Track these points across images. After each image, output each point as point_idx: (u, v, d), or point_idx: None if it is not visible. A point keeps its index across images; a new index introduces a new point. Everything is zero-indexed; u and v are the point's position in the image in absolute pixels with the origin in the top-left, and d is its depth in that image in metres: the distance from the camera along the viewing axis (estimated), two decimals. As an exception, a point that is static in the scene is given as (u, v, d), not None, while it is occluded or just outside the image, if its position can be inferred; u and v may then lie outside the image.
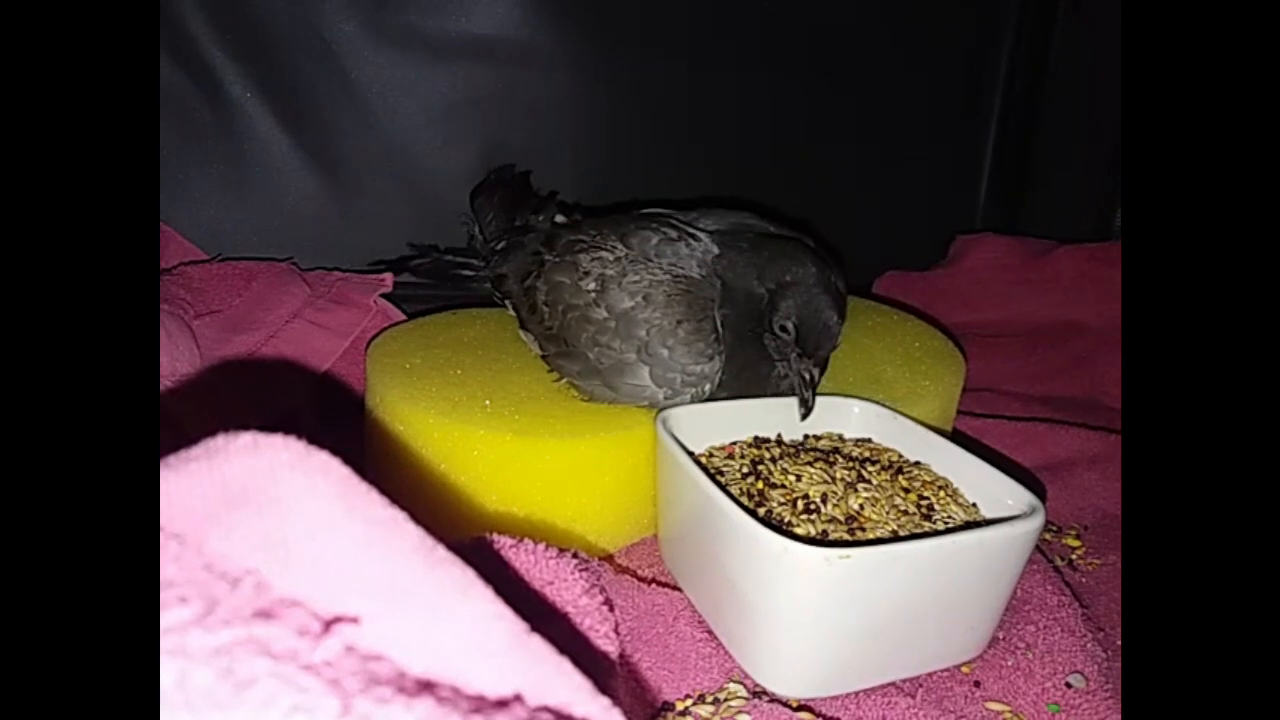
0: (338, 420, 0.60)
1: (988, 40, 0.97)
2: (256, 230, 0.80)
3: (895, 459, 0.48)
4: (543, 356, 0.55)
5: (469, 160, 0.82)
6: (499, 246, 0.64)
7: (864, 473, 0.45)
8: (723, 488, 0.41)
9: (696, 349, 0.50)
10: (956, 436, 0.55)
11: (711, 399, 0.52)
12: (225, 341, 0.64)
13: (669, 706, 0.39)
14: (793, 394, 0.50)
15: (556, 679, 0.22)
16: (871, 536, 0.40)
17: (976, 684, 0.41)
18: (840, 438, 0.51)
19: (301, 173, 0.80)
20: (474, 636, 0.21)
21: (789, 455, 0.47)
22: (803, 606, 0.37)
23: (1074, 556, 0.53)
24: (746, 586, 0.39)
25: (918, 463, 0.48)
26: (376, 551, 0.22)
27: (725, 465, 0.47)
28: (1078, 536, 0.55)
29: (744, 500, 0.42)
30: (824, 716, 0.38)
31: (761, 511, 0.42)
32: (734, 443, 0.49)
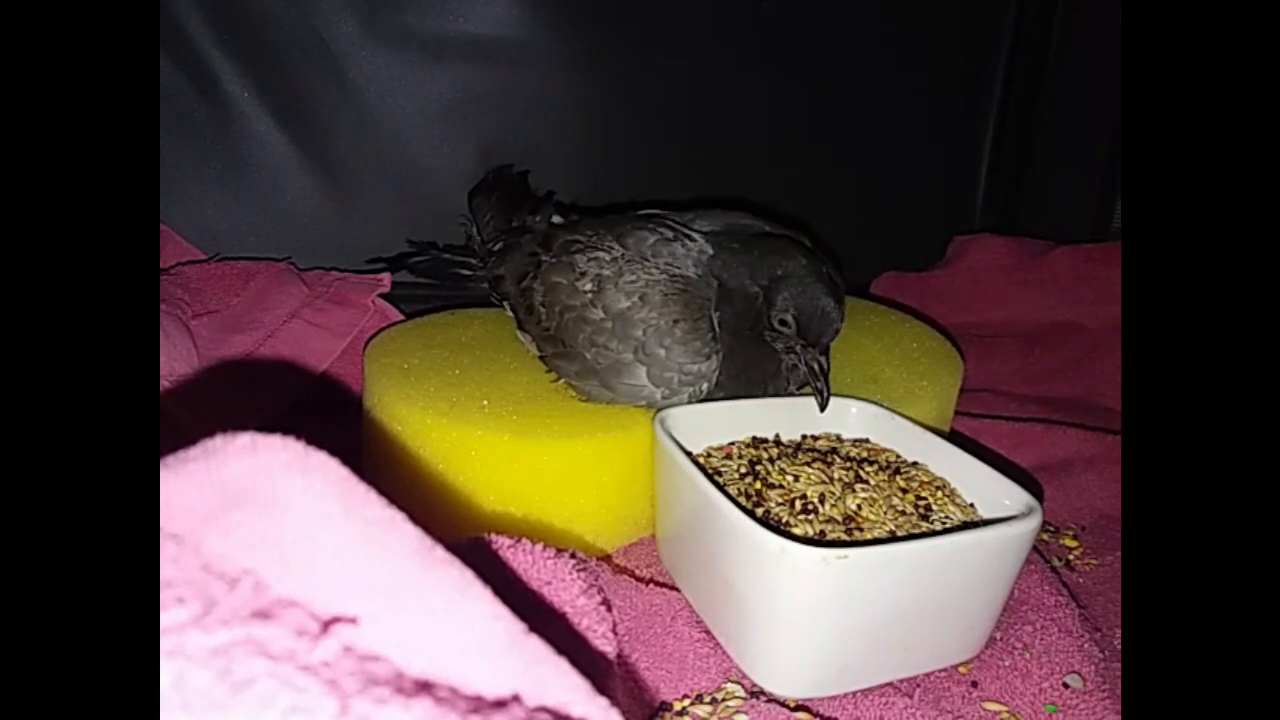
0: (336, 420, 0.60)
1: (986, 41, 0.97)
2: (254, 230, 0.80)
3: (893, 459, 0.48)
4: (540, 357, 0.55)
5: (466, 160, 0.82)
6: (496, 247, 0.64)
7: (862, 473, 0.45)
8: (720, 488, 0.41)
9: (693, 348, 0.50)
10: (954, 437, 0.55)
11: (710, 399, 0.52)
12: (223, 341, 0.64)
13: (667, 706, 0.39)
14: (795, 393, 0.50)
15: (554, 679, 0.22)
16: (869, 537, 0.40)
17: (974, 684, 0.41)
18: (838, 438, 0.51)
19: (299, 173, 0.80)
20: (472, 637, 0.21)
21: (787, 455, 0.47)
22: (800, 607, 0.37)
23: (1071, 557, 0.53)
24: (744, 586, 0.39)
25: (915, 463, 0.48)
26: (374, 552, 0.22)
27: (723, 465, 0.47)
28: (1075, 537, 0.55)
29: (742, 500, 0.42)
30: (821, 716, 0.39)
31: (759, 512, 0.42)
32: (732, 443, 0.49)
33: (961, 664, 0.42)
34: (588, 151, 0.87)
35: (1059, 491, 0.59)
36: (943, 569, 0.38)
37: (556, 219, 0.63)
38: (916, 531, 0.41)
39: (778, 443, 0.50)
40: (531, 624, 0.23)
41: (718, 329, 0.51)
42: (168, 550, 0.20)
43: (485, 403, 0.50)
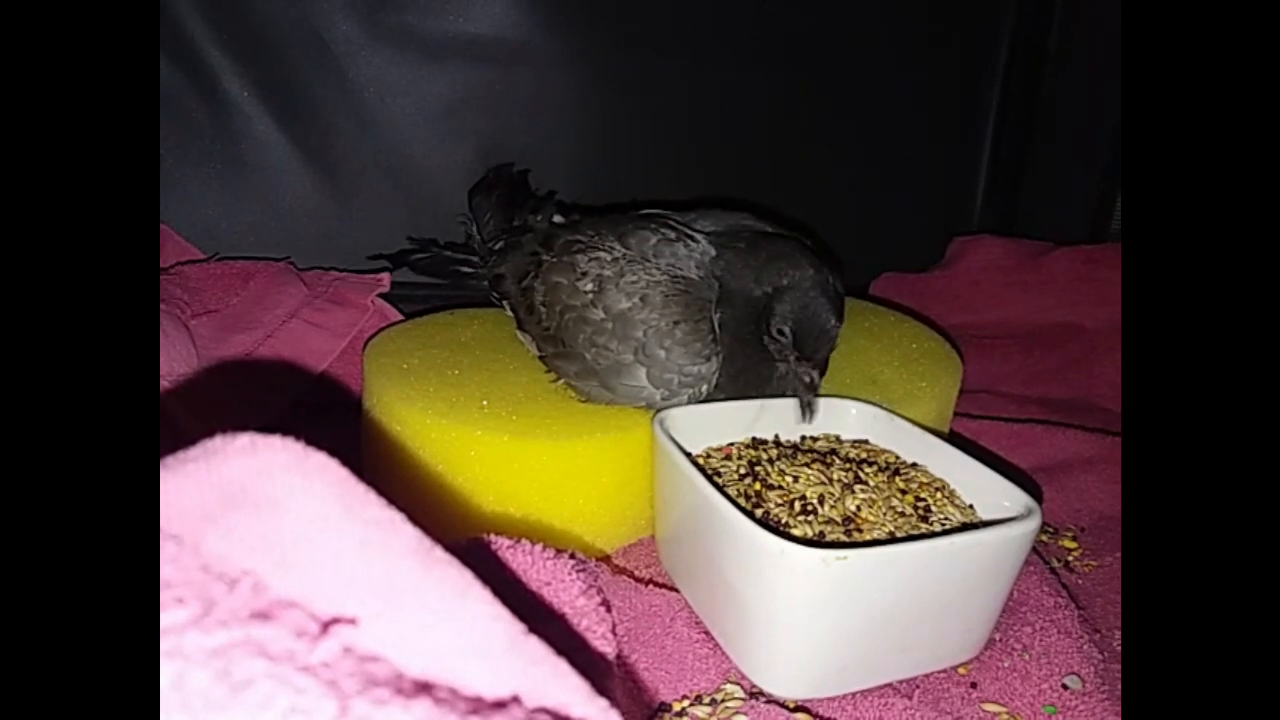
0: (335, 420, 0.60)
1: (985, 42, 0.97)
2: (254, 230, 0.80)
3: (892, 460, 0.48)
4: (540, 357, 0.55)
5: (466, 160, 0.82)
6: (497, 246, 0.64)
7: (861, 474, 0.45)
8: (720, 489, 0.41)
9: (694, 350, 0.50)
10: (953, 438, 0.55)
11: (709, 400, 0.52)
12: (222, 341, 0.64)
13: (666, 707, 0.39)
14: (792, 395, 0.50)
15: (554, 680, 0.22)
16: (868, 538, 0.40)
17: (973, 685, 0.41)
18: (837, 439, 0.51)
19: (299, 172, 0.80)
20: (471, 637, 0.21)
21: (786, 456, 0.47)
22: (800, 607, 0.37)
23: (1070, 558, 0.53)
24: (744, 587, 0.39)
25: (915, 464, 0.48)
26: (374, 552, 0.22)
27: (722, 466, 0.47)
28: (1074, 538, 0.55)
29: (741, 501, 0.42)
30: (821, 717, 0.39)
31: (759, 513, 0.42)
32: (731, 444, 0.49)
33: (961, 665, 0.42)
34: (587, 151, 0.87)
35: (1058, 492, 0.59)
36: (942, 570, 0.38)
37: (558, 218, 0.63)
38: (916, 533, 0.41)
39: (777, 444, 0.50)
40: (531, 625, 0.23)
41: (718, 330, 0.51)
42: (167, 551, 0.20)
43: (484, 403, 0.50)
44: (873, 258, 0.96)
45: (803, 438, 0.51)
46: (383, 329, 0.63)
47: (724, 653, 0.42)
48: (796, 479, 0.44)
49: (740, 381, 0.52)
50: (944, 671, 0.42)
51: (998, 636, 0.43)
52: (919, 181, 0.99)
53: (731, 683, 0.40)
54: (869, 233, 0.95)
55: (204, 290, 0.70)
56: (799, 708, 0.39)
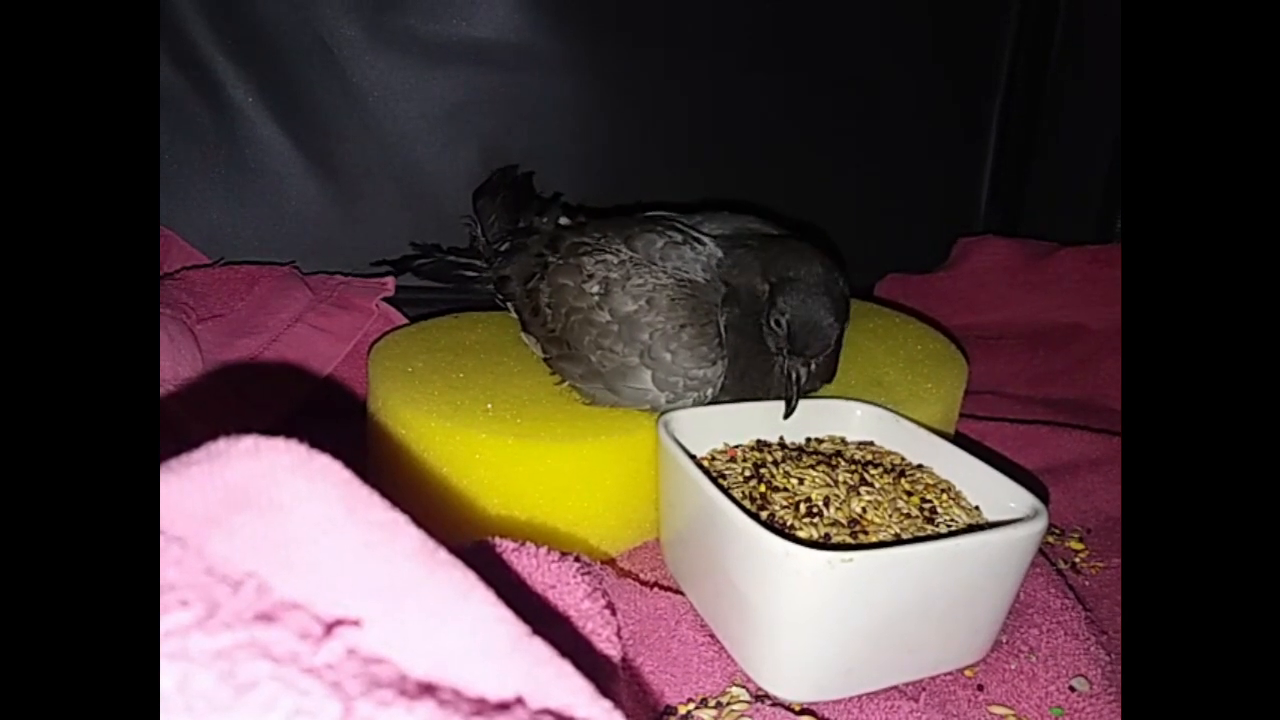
0: (340, 424, 0.60)
1: (989, 43, 0.97)
2: (258, 234, 0.80)
3: (898, 462, 0.48)
4: (545, 359, 0.55)
5: (470, 164, 0.82)
6: (502, 248, 0.64)
7: (866, 476, 0.45)
8: (725, 491, 0.40)
9: (699, 353, 0.50)
10: (959, 439, 0.55)
11: (714, 403, 0.52)
12: (227, 346, 0.64)
13: (671, 710, 0.39)
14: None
15: (558, 681, 0.22)
16: (874, 540, 0.40)
17: (980, 688, 0.41)
18: (842, 440, 0.51)
19: (303, 176, 0.80)
20: (475, 639, 0.21)
21: (791, 458, 0.47)
22: (805, 610, 0.37)
23: (1077, 560, 0.53)
24: (749, 590, 0.38)
25: (920, 465, 0.48)
26: (378, 554, 0.22)
27: (727, 468, 0.47)
28: (1081, 539, 0.54)
29: (746, 503, 0.42)
30: (827, 720, 0.38)
31: (764, 515, 0.42)
32: (736, 446, 0.49)
33: (967, 667, 0.42)
34: (591, 154, 0.87)
35: (1064, 494, 0.59)
36: (948, 572, 0.38)
37: (564, 220, 0.63)
38: (922, 534, 0.41)
39: (782, 445, 0.49)
40: (535, 627, 0.23)
41: (724, 333, 0.51)
42: (171, 553, 0.20)
43: (489, 406, 0.50)
44: (877, 259, 0.96)
45: (808, 440, 0.51)
46: (387, 332, 0.63)
47: (729, 655, 0.42)
48: (802, 481, 0.44)
49: (744, 381, 0.51)
50: (950, 674, 0.41)
51: (1004, 639, 0.43)
52: (923, 182, 0.99)
53: (737, 685, 0.40)
54: (874, 234, 0.95)
55: (209, 295, 0.70)
56: (804, 710, 0.39)
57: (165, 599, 0.19)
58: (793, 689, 0.39)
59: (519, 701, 0.21)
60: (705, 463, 0.47)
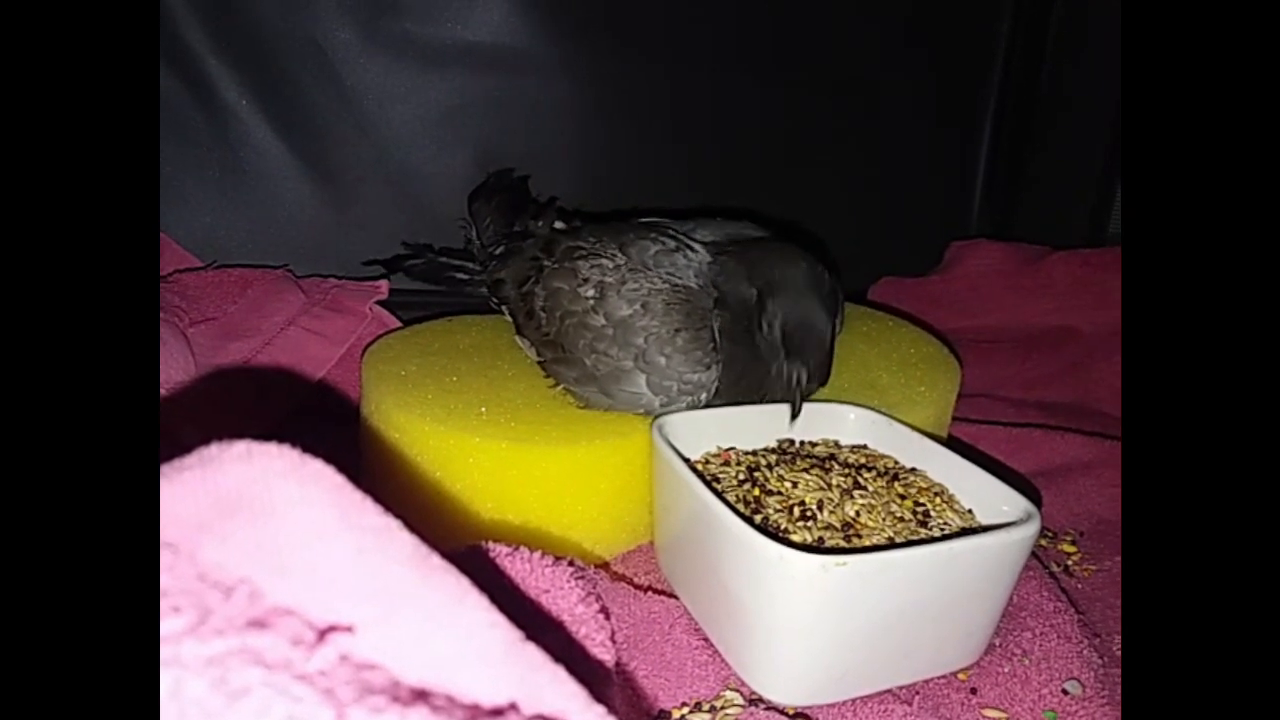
0: (334, 428, 0.60)
1: (982, 46, 0.97)
2: (252, 237, 0.80)
3: (891, 465, 0.48)
4: (539, 363, 0.55)
5: (464, 167, 0.82)
6: (497, 251, 0.64)
7: (860, 479, 0.45)
8: (719, 494, 0.40)
9: (694, 358, 0.50)
10: (952, 442, 0.55)
11: (720, 400, 0.52)
12: (220, 349, 0.64)
13: (665, 715, 0.39)
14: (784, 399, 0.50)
15: (552, 687, 0.22)
16: (868, 543, 0.40)
17: (973, 691, 0.41)
18: (836, 444, 0.51)
19: (297, 180, 0.80)
20: (469, 644, 0.21)
21: (785, 462, 0.47)
22: (799, 614, 0.37)
23: (1070, 563, 0.53)
24: (743, 594, 0.38)
25: (913, 469, 0.48)
26: (370, 559, 0.22)
27: (721, 472, 0.47)
28: (1073, 542, 0.55)
29: (740, 507, 0.42)
30: (821, 724, 0.38)
31: (758, 518, 0.42)
32: (730, 449, 0.49)
33: (961, 671, 0.42)
34: (586, 157, 0.87)
35: (1057, 497, 0.59)
36: (942, 575, 0.38)
37: (559, 224, 0.63)
38: (915, 538, 0.41)
39: (776, 449, 0.49)
40: (529, 632, 0.23)
41: (718, 338, 0.51)
42: (163, 559, 0.20)
43: (483, 409, 0.50)
44: (871, 262, 0.96)
45: (801, 443, 0.51)
46: (381, 336, 0.63)
47: (723, 659, 0.42)
48: (795, 484, 0.44)
49: (739, 386, 0.51)
50: (944, 677, 0.41)
51: (998, 642, 0.43)
52: (916, 186, 0.99)
53: (731, 690, 0.40)
54: (867, 238, 0.95)
55: (202, 298, 0.70)
56: (798, 714, 0.39)
57: (157, 605, 0.19)
58: (787, 693, 0.39)
59: (513, 707, 0.21)
60: (699, 466, 0.47)
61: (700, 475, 0.43)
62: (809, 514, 0.42)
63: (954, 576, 0.38)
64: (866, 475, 0.45)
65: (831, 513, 0.42)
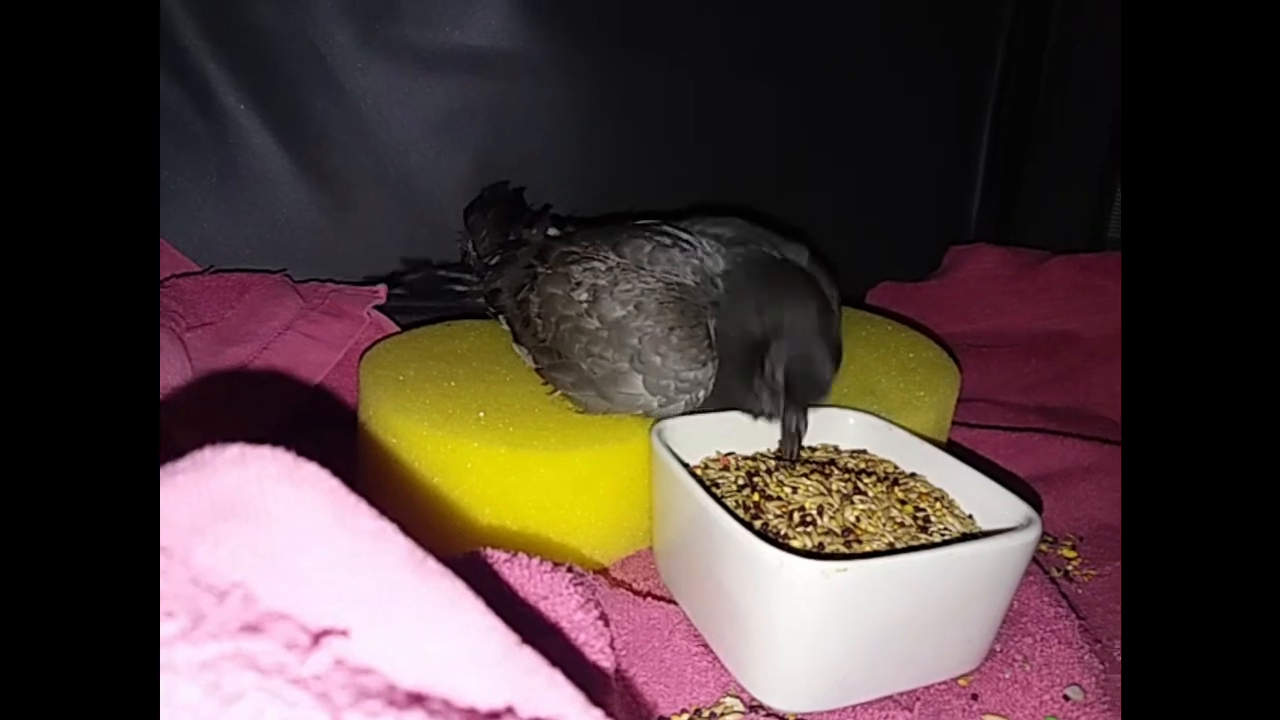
0: (331, 432, 0.60)
1: (981, 52, 0.98)
2: (249, 242, 0.80)
3: (891, 470, 0.48)
4: (537, 369, 0.55)
5: (463, 171, 0.82)
6: (493, 261, 0.64)
7: (860, 484, 0.45)
8: (718, 500, 0.40)
9: (690, 355, 0.50)
10: (951, 447, 0.55)
11: (703, 406, 0.51)
12: (217, 354, 0.64)
13: (664, 721, 0.38)
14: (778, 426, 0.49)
15: (549, 691, 0.22)
16: (868, 549, 0.40)
17: (974, 697, 0.41)
18: (836, 449, 0.51)
19: (295, 184, 0.80)
20: (465, 648, 0.21)
21: (784, 467, 0.47)
22: (799, 620, 0.37)
23: (1070, 568, 0.53)
24: (743, 599, 0.38)
25: (913, 474, 0.48)
26: (365, 563, 0.21)
27: (721, 477, 0.46)
28: (1074, 547, 0.54)
29: (740, 512, 0.42)
30: (821, 730, 0.38)
31: (757, 524, 0.41)
32: (729, 454, 0.49)
33: (961, 676, 0.42)
34: (585, 161, 0.87)
35: (1057, 502, 0.59)
36: (942, 581, 0.37)
37: (553, 231, 0.63)
38: (915, 543, 0.41)
39: (775, 454, 0.49)
40: (528, 638, 0.22)
41: (714, 336, 0.51)
42: (156, 563, 0.20)
43: (481, 415, 0.50)
44: (870, 267, 0.96)
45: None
46: (379, 340, 0.62)
47: (723, 666, 0.42)
48: (795, 490, 0.44)
49: (720, 397, 0.51)
50: (945, 683, 0.41)
51: (998, 647, 0.43)
52: (916, 190, 0.99)
53: (730, 696, 0.40)
54: (866, 242, 0.95)
55: (199, 303, 0.69)
56: (799, 720, 0.38)
57: (150, 609, 0.19)
58: (787, 699, 0.39)
59: (509, 711, 0.21)
60: (698, 471, 0.47)
61: (700, 480, 0.43)
62: (809, 519, 0.42)
63: (955, 582, 0.38)
64: (866, 480, 0.45)
65: (832, 518, 0.42)
